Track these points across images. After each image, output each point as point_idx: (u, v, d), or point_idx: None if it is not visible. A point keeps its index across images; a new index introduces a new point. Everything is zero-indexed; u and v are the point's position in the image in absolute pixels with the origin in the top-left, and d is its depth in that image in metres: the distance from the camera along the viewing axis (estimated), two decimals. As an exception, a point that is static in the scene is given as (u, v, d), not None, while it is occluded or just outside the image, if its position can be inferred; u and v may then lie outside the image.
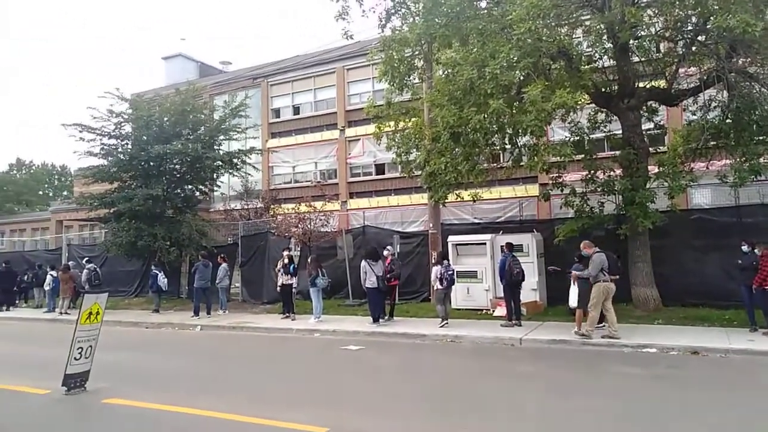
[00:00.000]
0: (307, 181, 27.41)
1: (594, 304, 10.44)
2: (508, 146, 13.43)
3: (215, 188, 21.36)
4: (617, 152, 13.60)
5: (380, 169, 26.23)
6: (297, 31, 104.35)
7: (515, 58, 10.70)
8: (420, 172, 14.16)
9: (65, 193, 53.35)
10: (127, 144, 18.80)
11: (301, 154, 27.85)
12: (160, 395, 7.07)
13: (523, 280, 12.36)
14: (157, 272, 16.85)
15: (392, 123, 16.60)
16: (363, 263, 13.52)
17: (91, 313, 7.46)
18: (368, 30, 35.17)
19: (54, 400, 7.10)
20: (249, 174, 21.27)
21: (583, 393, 7.06)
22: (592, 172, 13.76)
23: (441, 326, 12.16)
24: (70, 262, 20.17)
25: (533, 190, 21.46)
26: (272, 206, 23.47)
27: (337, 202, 24.66)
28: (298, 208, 17.51)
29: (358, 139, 26.53)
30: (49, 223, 37.00)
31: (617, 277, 10.98)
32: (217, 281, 16.22)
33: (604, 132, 14.94)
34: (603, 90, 13.71)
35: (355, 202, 26.26)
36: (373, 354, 10.35)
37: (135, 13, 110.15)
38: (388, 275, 13.47)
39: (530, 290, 13.41)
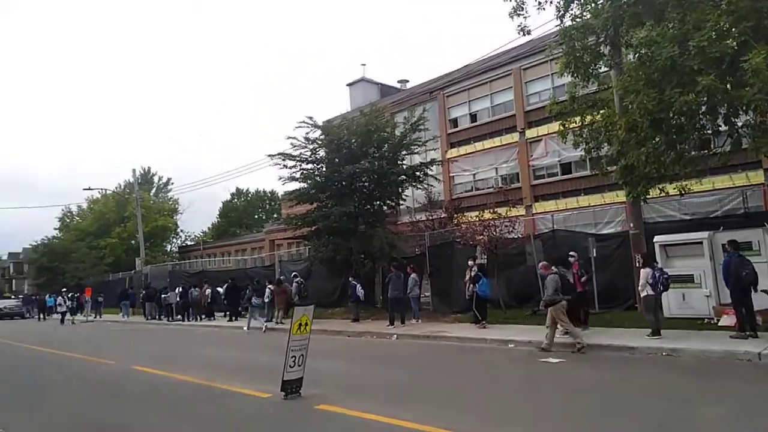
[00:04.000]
0: (488, 188, 27.04)
1: None
2: (723, 128, 11.63)
3: (401, 202, 22.12)
4: None
5: (566, 168, 24.76)
6: (469, 38, 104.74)
7: (726, 25, 9.23)
8: (614, 168, 12.99)
9: (275, 215, 60.13)
10: (322, 167, 20.46)
11: (481, 161, 27.56)
12: (367, 404, 7.34)
13: (755, 283, 10.50)
14: (356, 283, 17.92)
15: (578, 118, 15.53)
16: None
17: (300, 324, 8.08)
18: (542, 26, 33.58)
19: (274, 403, 7.81)
20: (431, 185, 21.64)
21: None
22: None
23: (651, 337, 10.90)
24: (281, 277, 22.48)
25: (757, 177, 18.35)
26: (455, 215, 23.55)
27: (522, 207, 23.84)
28: (482, 216, 17.25)
29: (540, 140, 25.40)
30: (264, 242, 41.90)
31: None
32: (408, 291, 16.69)
33: None
34: None
35: (541, 206, 25.11)
36: (576, 368, 9.64)
37: (317, 45, 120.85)
38: (582, 280, 12.59)
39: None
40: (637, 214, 14.35)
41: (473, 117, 28.18)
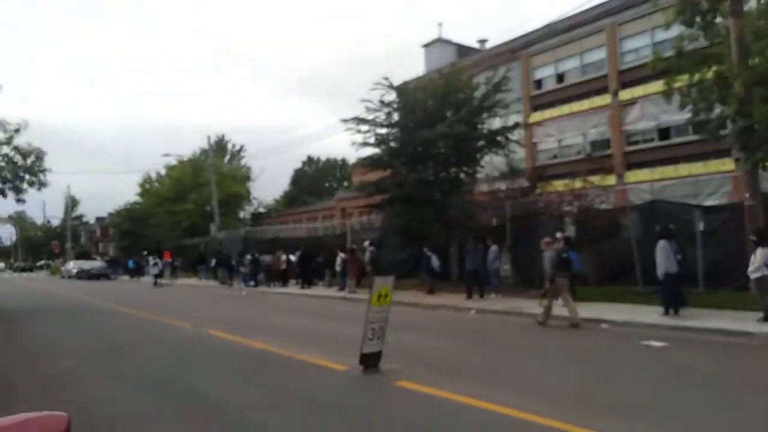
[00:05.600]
0: (575, 155, 25.30)
1: None
2: None
3: (479, 169, 20.99)
4: None
5: (664, 133, 22.66)
6: None
7: None
8: (726, 131, 11.43)
9: (345, 184, 60.19)
10: (396, 132, 19.62)
11: (567, 126, 25.76)
12: (450, 383, 6.63)
13: None
14: (430, 254, 17.16)
15: (686, 76, 13.78)
16: (662, 244, 11.50)
17: (380, 295, 7.42)
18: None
19: (352, 378, 7.24)
20: (513, 151, 20.34)
21: None
22: None
23: (764, 322, 9.58)
24: (353, 245, 22.08)
25: None
26: (539, 184, 22.16)
27: (611, 176, 22.08)
28: (573, 185, 15.89)
29: (635, 102, 23.34)
30: (334, 210, 41.92)
31: None
32: (487, 264, 15.75)
33: None
34: None
35: (634, 174, 23.20)
36: (684, 354, 8.54)
37: (391, 3, 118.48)
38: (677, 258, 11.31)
39: None
40: (754, 184, 12.62)
41: (560, 78, 26.32)
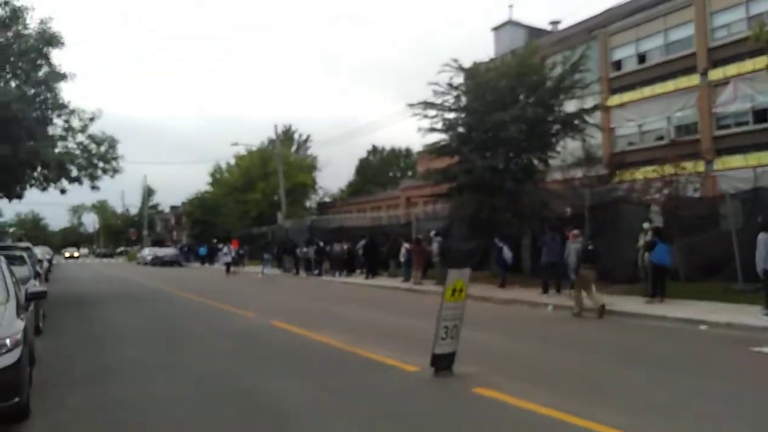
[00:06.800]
0: (657, 140, 23.40)
1: None
2: None
3: (553, 156, 19.69)
4: None
5: (760, 116, 20.46)
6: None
7: None
8: None
9: (409, 173, 59.42)
10: (465, 116, 18.66)
11: (650, 109, 23.81)
12: (538, 393, 5.83)
13: None
14: (502, 245, 16.19)
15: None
16: (763, 237, 10.15)
17: (455, 290, 6.69)
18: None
19: (423, 381, 6.57)
20: (592, 136, 18.92)
21: None
22: None
23: None
24: (419, 235, 21.37)
25: None
26: (618, 172, 20.57)
27: (699, 163, 20.16)
28: (662, 170, 14.41)
29: (728, 82, 21.20)
30: (399, 200, 41.32)
31: None
32: (565, 256, 14.60)
33: None
34: None
35: (724, 161, 21.11)
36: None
37: None
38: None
39: None
40: None
41: (641, 58, 24.36)
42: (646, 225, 13.16)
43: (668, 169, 14.16)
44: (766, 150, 19.88)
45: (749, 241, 11.02)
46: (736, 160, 20.68)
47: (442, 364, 6.74)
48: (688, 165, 14.42)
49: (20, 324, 5.18)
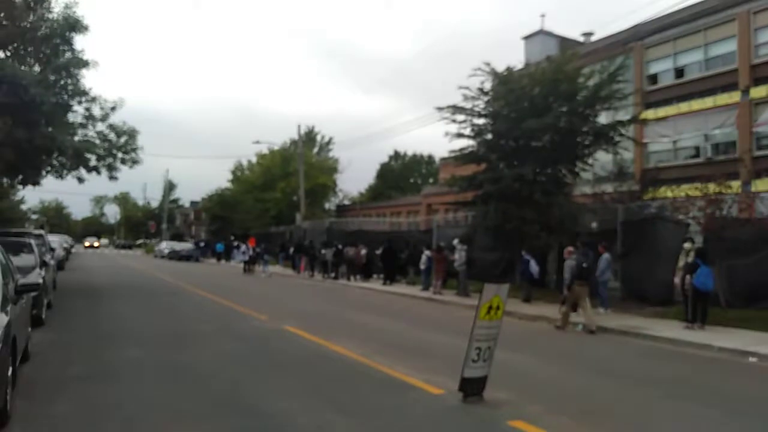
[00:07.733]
0: (691, 158, 22.46)
1: None
2: None
3: (585, 168, 18.89)
4: None
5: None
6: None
7: None
8: None
9: (430, 180, 58.73)
10: (494, 123, 17.95)
11: (686, 125, 22.90)
12: (587, 429, 5.12)
13: None
14: (529, 258, 15.43)
15: None
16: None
17: (491, 307, 6.03)
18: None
19: (450, 408, 5.89)
20: (626, 149, 18.07)
21: None
22: None
23: None
24: (441, 243, 20.67)
25: None
26: (651, 188, 19.67)
27: (736, 183, 19.18)
28: (707, 188, 13.55)
29: (770, 101, 20.27)
30: (420, 206, 40.62)
31: None
32: (597, 273, 13.80)
33: None
34: None
35: (763, 183, 20.11)
36: None
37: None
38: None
39: None
40: None
41: (679, 72, 23.48)
42: (687, 245, 12.33)
43: (712, 188, 13.29)
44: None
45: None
46: (773, 183, 19.69)
47: (472, 389, 6.07)
48: (734, 185, 13.57)
49: (2, 319, 4.64)
